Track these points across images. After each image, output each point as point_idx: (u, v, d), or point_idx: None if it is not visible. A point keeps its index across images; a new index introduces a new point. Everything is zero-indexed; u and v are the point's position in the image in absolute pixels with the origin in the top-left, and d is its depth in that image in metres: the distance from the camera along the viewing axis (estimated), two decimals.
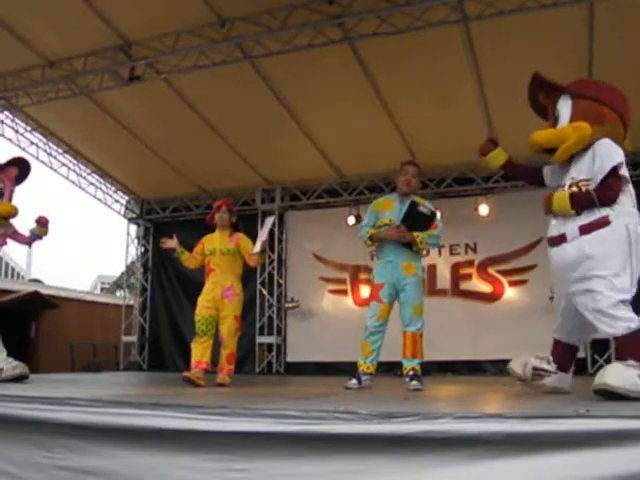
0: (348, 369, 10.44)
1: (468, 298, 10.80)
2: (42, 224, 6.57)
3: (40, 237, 6.64)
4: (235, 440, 2.99)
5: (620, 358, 3.86)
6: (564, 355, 4.51)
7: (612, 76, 4.88)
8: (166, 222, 12.79)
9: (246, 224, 11.86)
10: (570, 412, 2.68)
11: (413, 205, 5.82)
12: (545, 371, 4.42)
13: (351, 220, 11.12)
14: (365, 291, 11.22)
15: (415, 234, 5.72)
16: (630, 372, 3.69)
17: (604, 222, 4.03)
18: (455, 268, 10.90)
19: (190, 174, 11.68)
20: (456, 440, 2.72)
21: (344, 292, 11.42)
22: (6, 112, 10.37)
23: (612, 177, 4.07)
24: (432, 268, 10.86)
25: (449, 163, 10.57)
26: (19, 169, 6.34)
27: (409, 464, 2.80)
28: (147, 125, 10.26)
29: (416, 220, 5.76)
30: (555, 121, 4.45)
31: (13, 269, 46.88)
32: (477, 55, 8.03)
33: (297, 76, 8.66)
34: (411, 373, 5.61)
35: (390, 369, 8.91)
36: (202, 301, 6.77)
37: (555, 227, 4.31)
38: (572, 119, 4.32)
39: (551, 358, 4.49)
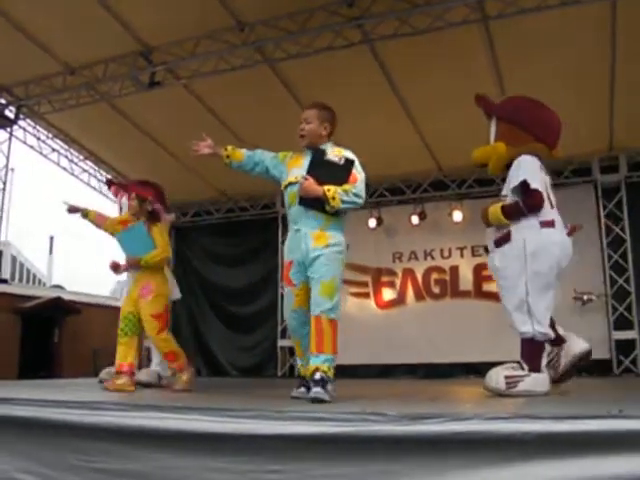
0: (370, 372, 10.49)
1: (491, 299, 10.71)
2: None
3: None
4: (266, 442, 3.00)
5: None
6: (531, 353, 4.60)
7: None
8: (187, 227, 12.82)
9: (266, 228, 12.01)
10: (603, 412, 2.65)
11: (318, 153, 4.65)
12: (517, 377, 4.47)
13: (372, 223, 11.09)
14: (387, 294, 11.20)
15: (326, 188, 4.44)
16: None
17: (507, 237, 4.67)
18: (478, 269, 10.81)
19: (210, 178, 11.67)
20: (486, 441, 2.71)
21: (366, 295, 11.35)
22: (28, 119, 10.43)
23: (528, 189, 4.61)
24: (455, 269, 10.84)
25: (470, 164, 10.47)
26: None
27: (439, 465, 2.79)
28: (167, 130, 10.28)
29: (325, 171, 4.54)
30: (489, 138, 5.13)
31: (34, 275, 47.08)
32: (498, 59, 7.99)
33: (317, 79, 8.65)
34: (317, 376, 4.28)
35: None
36: (125, 299, 6.36)
37: (486, 239, 4.99)
38: (495, 139, 5.03)
39: (523, 361, 4.58)
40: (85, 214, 6.36)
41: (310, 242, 4.53)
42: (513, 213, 4.68)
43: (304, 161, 4.67)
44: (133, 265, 6.17)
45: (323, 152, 4.62)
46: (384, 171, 10.50)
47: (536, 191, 4.62)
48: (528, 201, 4.63)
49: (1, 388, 5.62)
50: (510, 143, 4.84)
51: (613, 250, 9.86)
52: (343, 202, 4.47)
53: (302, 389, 4.67)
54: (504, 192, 4.88)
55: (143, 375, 6.73)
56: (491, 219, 4.79)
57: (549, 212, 4.72)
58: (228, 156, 4.97)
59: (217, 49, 8.12)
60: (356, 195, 4.53)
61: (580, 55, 7.66)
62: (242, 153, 4.95)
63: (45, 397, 3.98)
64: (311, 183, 4.45)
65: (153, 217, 6.33)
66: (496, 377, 4.52)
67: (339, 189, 4.45)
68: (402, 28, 7.40)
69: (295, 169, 4.71)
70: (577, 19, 7.08)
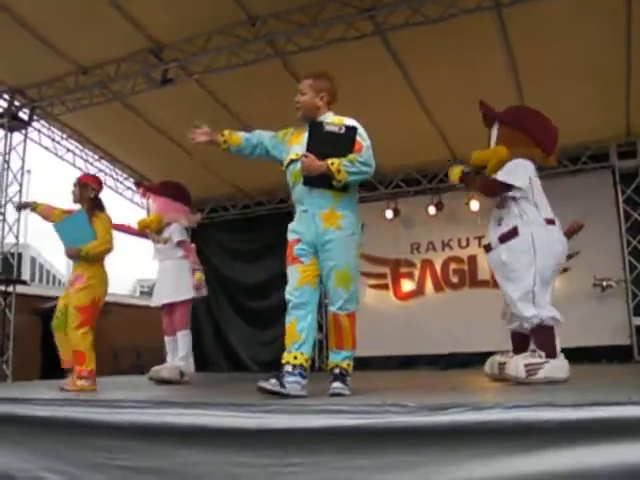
0: (390, 364, 10.47)
1: None
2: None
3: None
4: (286, 435, 3.00)
5: None
6: (543, 340, 4.64)
7: None
8: (204, 223, 12.77)
9: (282, 222, 11.96)
10: (623, 399, 2.63)
11: (315, 126, 4.22)
12: (536, 364, 4.49)
13: (389, 214, 11.08)
14: (406, 285, 11.17)
15: (329, 161, 4.07)
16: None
17: (513, 233, 4.80)
18: None
19: (226, 174, 11.68)
20: (507, 430, 2.70)
21: (385, 287, 11.33)
22: (42, 121, 10.47)
23: (497, 181, 4.87)
24: (473, 259, 10.78)
25: None
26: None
27: (458, 455, 2.78)
28: (181, 127, 10.09)
29: (325, 144, 4.12)
30: (489, 142, 5.31)
31: (54, 276, 47.33)
32: (512, 47, 7.91)
33: (329, 72, 8.57)
34: (336, 371, 4.23)
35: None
36: (64, 290, 6.01)
37: (487, 237, 5.20)
38: (496, 143, 5.18)
39: (537, 349, 4.61)
40: (34, 207, 6.17)
41: (320, 223, 4.19)
42: (467, 181, 5.26)
43: (304, 136, 4.29)
44: (73, 256, 5.74)
45: (320, 124, 4.22)
46: (400, 162, 10.48)
47: (498, 184, 4.88)
48: (485, 182, 5.03)
49: (23, 388, 5.66)
50: (511, 147, 4.99)
51: (632, 235, 9.77)
52: (350, 174, 4.10)
53: (273, 380, 3.86)
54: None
55: (165, 371, 6.74)
56: (450, 175, 5.41)
57: (550, 211, 4.92)
58: (225, 141, 4.58)
59: (229, 44, 8.12)
60: (363, 164, 4.15)
61: (595, 41, 7.57)
62: (240, 137, 4.60)
63: (66, 397, 4.01)
64: (312, 160, 4.09)
65: (96, 205, 5.98)
66: (516, 365, 4.52)
67: (344, 160, 4.08)
68: (414, 17, 7.35)
69: (296, 145, 4.38)
70: (592, 4, 7.01)
